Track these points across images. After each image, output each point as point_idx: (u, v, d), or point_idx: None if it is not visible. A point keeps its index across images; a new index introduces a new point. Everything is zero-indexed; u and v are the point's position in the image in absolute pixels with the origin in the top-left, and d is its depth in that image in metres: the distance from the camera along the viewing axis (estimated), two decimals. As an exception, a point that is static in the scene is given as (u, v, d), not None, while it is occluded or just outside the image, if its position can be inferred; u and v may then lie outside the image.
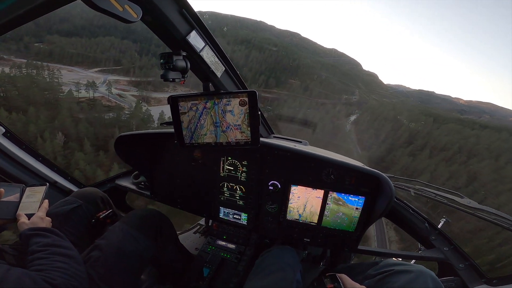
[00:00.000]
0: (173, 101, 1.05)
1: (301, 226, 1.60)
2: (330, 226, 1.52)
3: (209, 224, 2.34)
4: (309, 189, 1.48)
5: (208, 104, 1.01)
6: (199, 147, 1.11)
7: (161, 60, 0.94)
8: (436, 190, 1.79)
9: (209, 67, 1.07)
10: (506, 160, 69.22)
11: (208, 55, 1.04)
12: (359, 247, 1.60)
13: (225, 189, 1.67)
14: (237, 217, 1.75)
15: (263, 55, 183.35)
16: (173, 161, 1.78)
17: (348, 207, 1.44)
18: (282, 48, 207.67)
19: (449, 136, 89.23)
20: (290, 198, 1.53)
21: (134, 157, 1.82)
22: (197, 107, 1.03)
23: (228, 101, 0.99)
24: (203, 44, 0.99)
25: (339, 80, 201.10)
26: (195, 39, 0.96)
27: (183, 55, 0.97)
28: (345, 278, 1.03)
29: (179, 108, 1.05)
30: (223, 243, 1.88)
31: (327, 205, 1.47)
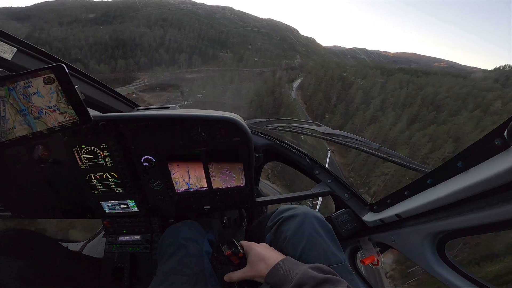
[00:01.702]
0: None
1: (194, 195, 1.50)
2: (221, 186, 1.46)
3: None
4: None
5: (1, 92, 0.86)
6: (11, 144, 0.94)
7: None
8: (303, 124, 1.87)
9: None
10: (475, 106, 58.99)
11: None
12: (258, 199, 1.58)
13: (94, 181, 1.43)
14: (124, 206, 1.54)
15: (183, 32, 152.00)
16: (13, 170, 1.43)
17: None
18: (207, 21, 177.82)
19: (405, 88, 77.55)
20: (170, 169, 1.40)
21: None
22: None
23: (27, 83, 0.85)
24: None
25: (277, 46, 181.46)
26: None
27: None
28: (243, 242, 1.03)
29: None
30: (126, 237, 1.79)
31: (209, 165, 1.38)
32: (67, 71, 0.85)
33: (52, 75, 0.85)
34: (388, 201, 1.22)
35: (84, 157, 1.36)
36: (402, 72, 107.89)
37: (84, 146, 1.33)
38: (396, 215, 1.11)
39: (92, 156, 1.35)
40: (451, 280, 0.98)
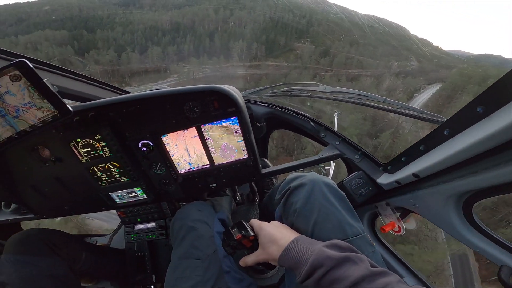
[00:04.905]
0: None
1: (198, 174, 1.48)
2: (223, 161, 1.42)
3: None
4: (180, 132, 1.32)
5: None
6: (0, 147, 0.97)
7: None
8: (301, 85, 1.88)
9: None
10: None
11: None
12: (264, 170, 1.51)
13: (98, 173, 1.43)
14: (133, 195, 1.56)
15: (253, 14, 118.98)
16: (23, 173, 1.49)
17: (228, 133, 1.32)
18: (286, 2, 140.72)
19: None
20: (168, 150, 1.38)
21: None
22: None
23: None
24: None
25: (382, 41, 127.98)
26: None
27: None
28: (253, 222, 0.97)
29: None
30: (141, 226, 1.85)
31: (207, 141, 1.34)
32: (31, 66, 0.85)
33: (17, 72, 0.84)
34: (402, 159, 1.09)
35: (82, 151, 1.35)
36: None
37: (79, 140, 1.32)
38: (413, 174, 0.99)
39: (90, 149, 1.34)
40: (481, 246, 0.88)
